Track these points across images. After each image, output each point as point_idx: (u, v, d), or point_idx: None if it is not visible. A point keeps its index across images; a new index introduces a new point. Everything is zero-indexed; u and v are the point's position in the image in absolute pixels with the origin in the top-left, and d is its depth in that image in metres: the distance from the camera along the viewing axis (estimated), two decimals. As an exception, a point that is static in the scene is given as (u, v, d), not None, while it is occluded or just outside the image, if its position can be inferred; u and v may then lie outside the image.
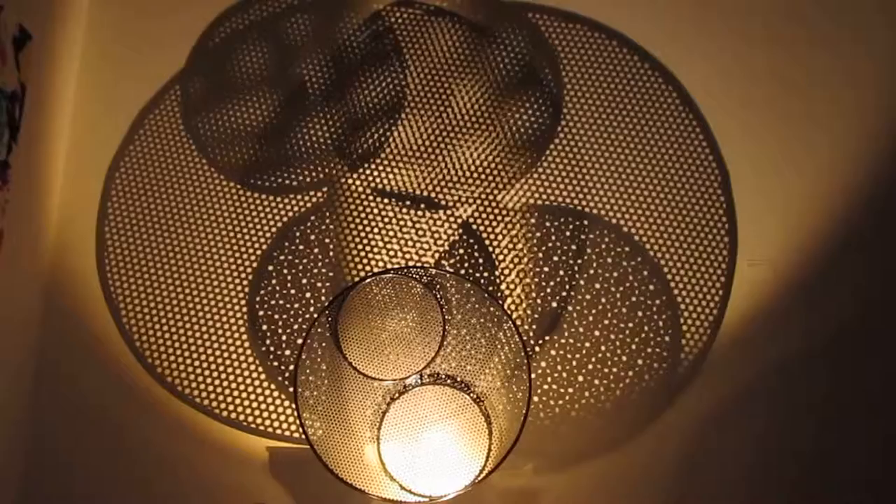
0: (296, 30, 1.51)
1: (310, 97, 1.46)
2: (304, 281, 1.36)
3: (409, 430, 1.17)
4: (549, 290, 1.34)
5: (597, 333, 1.32)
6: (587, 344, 1.32)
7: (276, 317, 1.34)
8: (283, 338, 1.33)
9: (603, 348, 1.32)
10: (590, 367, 1.31)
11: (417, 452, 1.16)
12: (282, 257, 1.37)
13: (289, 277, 1.36)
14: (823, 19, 1.47)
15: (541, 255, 1.36)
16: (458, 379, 1.20)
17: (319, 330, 1.18)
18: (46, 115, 1.38)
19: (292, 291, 1.35)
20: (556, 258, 1.36)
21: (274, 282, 1.36)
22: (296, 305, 1.34)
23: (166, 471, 1.29)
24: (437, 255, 1.36)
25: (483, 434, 1.16)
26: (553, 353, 1.32)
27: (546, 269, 1.36)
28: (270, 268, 1.37)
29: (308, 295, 1.35)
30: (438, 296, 1.19)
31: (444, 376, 1.20)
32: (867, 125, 1.41)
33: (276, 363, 1.32)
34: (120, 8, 1.52)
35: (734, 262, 1.35)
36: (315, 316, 1.31)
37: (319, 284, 1.35)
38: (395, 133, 1.43)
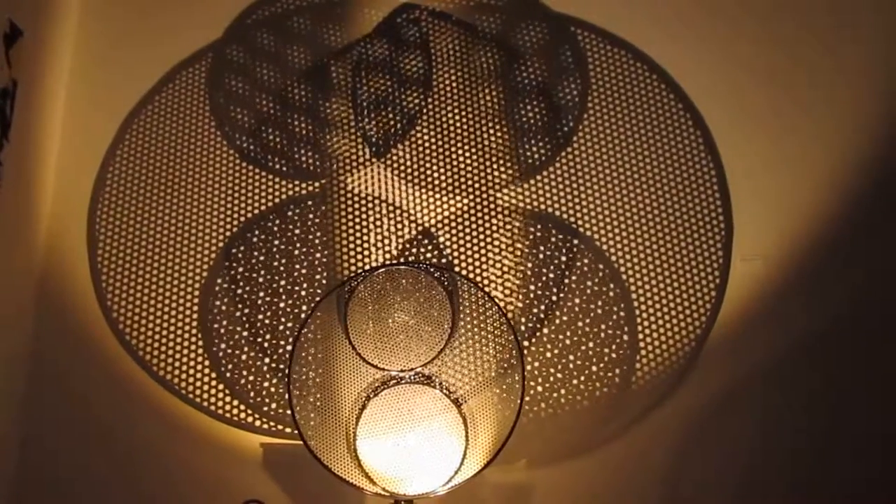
0: (306, 24, 1.51)
1: (316, 90, 1.46)
2: (300, 274, 1.35)
3: (386, 427, 1.16)
4: (539, 288, 1.34)
5: (588, 330, 1.33)
6: (579, 339, 1.32)
7: (272, 313, 1.34)
8: (279, 330, 1.33)
9: (596, 344, 1.32)
10: (583, 362, 1.31)
11: (394, 450, 1.16)
12: (274, 251, 1.37)
13: (284, 272, 1.36)
14: (821, 20, 1.48)
15: (532, 254, 1.36)
16: (441, 380, 1.20)
17: (326, 309, 1.17)
18: (38, 111, 1.37)
19: (288, 284, 1.35)
20: (546, 253, 1.36)
21: (268, 277, 1.36)
22: (289, 300, 1.34)
23: (160, 467, 1.29)
24: (429, 254, 1.36)
25: (460, 438, 1.15)
26: (545, 350, 1.32)
27: (536, 266, 1.36)
28: (264, 261, 1.37)
29: (304, 287, 1.35)
30: (455, 300, 1.19)
31: (430, 376, 1.20)
32: (862, 124, 1.42)
33: (270, 359, 1.32)
34: (111, 4, 1.51)
35: (729, 260, 1.36)
36: (316, 301, 1.31)
37: (318, 276, 1.35)
38: (409, 128, 1.43)
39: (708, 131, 1.42)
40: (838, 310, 1.34)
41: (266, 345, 1.33)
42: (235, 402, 1.30)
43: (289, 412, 1.26)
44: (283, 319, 1.34)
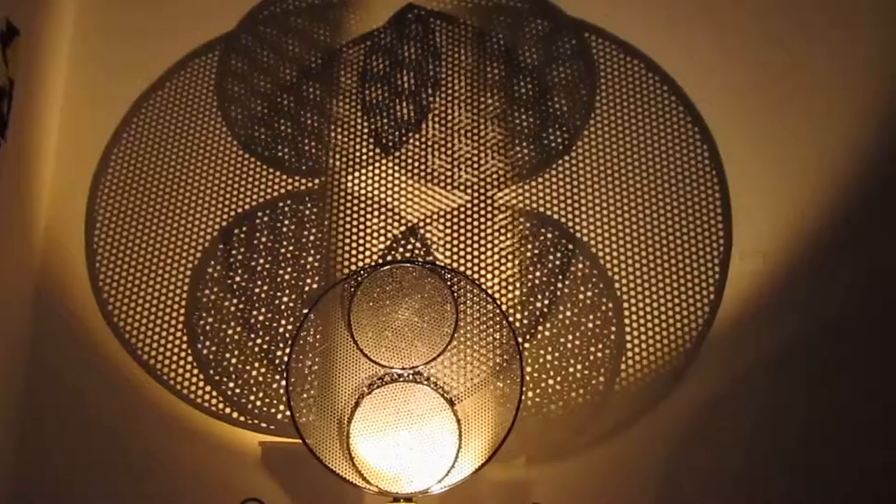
0: (307, 23, 1.52)
1: (320, 87, 1.47)
2: (299, 271, 1.35)
3: (382, 425, 1.15)
4: (539, 286, 1.34)
5: (588, 327, 1.33)
6: (579, 337, 1.32)
7: (269, 309, 1.34)
8: (277, 327, 1.33)
9: (596, 341, 1.32)
10: (584, 359, 1.31)
11: (390, 448, 1.15)
12: (275, 246, 1.37)
13: (284, 268, 1.36)
14: (820, 21, 1.48)
15: (532, 253, 1.36)
16: (437, 379, 1.19)
17: (327, 305, 1.17)
18: (35, 110, 1.37)
19: (285, 282, 1.35)
20: (545, 252, 1.36)
21: (267, 273, 1.36)
22: (285, 297, 1.34)
23: (158, 466, 1.29)
24: (421, 252, 1.36)
25: (455, 438, 1.15)
26: (544, 349, 1.32)
27: (536, 264, 1.36)
28: (264, 257, 1.36)
29: (298, 285, 1.35)
30: (459, 299, 1.19)
31: (426, 375, 1.19)
32: (860, 124, 1.42)
33: (268, 357, 1.32)
34: (107, 3, 1.52)
35: (728, 257, 1.36)
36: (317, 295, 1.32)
37: (309, 279, 1.35)
38: (414, 126, 1.43)
39: (708, 131, 1.42)
40: (837, 307, 1.34)
41: (264, 342, 1.33)
42: (235, 400, 1.30)
43: (286, 409, 1.26)
44: (279, 317, 1.33)
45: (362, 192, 1.40)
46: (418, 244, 1.37)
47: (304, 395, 1.20)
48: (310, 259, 1.37)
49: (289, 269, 1.36)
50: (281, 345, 1.32)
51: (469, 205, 1.39)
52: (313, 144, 1.43)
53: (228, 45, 1.50)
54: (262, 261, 1.37)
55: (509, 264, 1.35)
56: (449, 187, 1.40)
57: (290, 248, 1.37)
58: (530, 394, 1.29)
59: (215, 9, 1.52)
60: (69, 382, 1.32)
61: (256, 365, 1.32)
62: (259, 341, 1.33)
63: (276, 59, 1.49)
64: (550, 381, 1.30)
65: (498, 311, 1.21)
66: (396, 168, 1.41)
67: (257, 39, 1.51)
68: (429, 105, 1.45)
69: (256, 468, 1.28)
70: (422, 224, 1.38)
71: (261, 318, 1.34)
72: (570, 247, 1.37)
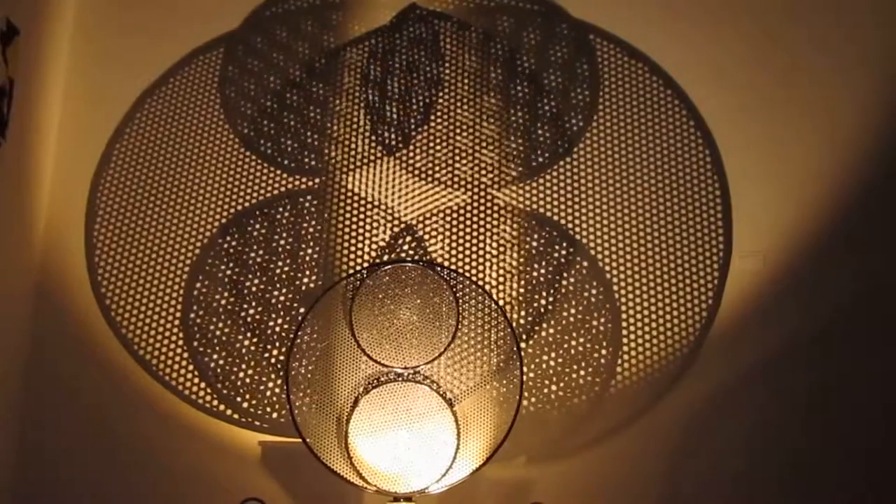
0: (312, 23, 1.52)
1: (324, 86, 1.47)
2: (298, 269, 1.35)
3: (380, 425, 1.15)
4: (538, 286, 1.34)
5: (588, 328, 1.32)
6: (579, 337, 1.32)
7: (265, 308, 1.34)
8: (276, 327, 1.33)
9: (595, 342, 1.32)
10: (584, 360, 1.31)
11: (389, 447, 1.15)
12: (274, 245, 1.37)
13: (284, 267, 1.36)
14: (820, 21, 1.48)
15: (532, 254, 1.36)
16: (435, 379, 1.19)
17: (326, 304, 1.17)
18: (35, 109, 1.37)
19: (282, 280, 1.35)
20: (545, 253, 1.36)
21: (267, 271, 1.36)
22: (283, 298, 1.34)
23: (159, 465, 1.29)
24: (423, 251, 1.36)
25: (453, 438, 1.15)
26: (543, 349, 1.32)
27: (535, 264, 1.36)
28: (263, 256, 1.37)
29: (292, 285, 1.35)
30: (460, 300, 1.19)
31: (425, 375, 1.19)
32: (860, 125, 1.42)
33: (266, 356, 1.32)
34: (107, 3, 1.52)
35: (728, 257, 1.36)
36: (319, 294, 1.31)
37: (306, 278, 1.35)
38: (417, 125, 1.44)
39: (709, 132, 1.42)
40: (837, 307, 1.34)
41: (262, 341, 1.32)
42: (234, 399, 1.30)
43: (285, 411, 1.26)
44: (276, 316, 1.33)
45: (363, 190, 1.40)
46: (416, 244, 1.37)
47: (303, 395, 1.20)
48: (306, 258, 1.37)
49: (286, 268, 1.36)
50: (278, 343, 1.32)
51: (470, 205, 1.39)
52: (314, 143, 1.43)
53: (230, 44, 1.50)
54: (259, 259, 1.37)
55: (509, 265, 1.35)
56: (450, 187, 1.40)
57: (289, 246, 1.37)
58: (528, 394, 1.29)
59: (215, 9, 1.52)
60: (69, 382, 1.32)
61: (253, 364, 1.32)
62: (256, 340, 1.33)
63: (278, 58, 1.49)
64: (548, 382, 1.30)
65: (498, 312, 1.21)
66: (397, 167, 1.41)
67: (260, 39, 1.50)
68: (431, 104, 1.45)
69: (256, 468, 1.28)
70: (422, 223, 1.38)
71: (258, 316, 1.34)
72: (571, 249, 1.37)
